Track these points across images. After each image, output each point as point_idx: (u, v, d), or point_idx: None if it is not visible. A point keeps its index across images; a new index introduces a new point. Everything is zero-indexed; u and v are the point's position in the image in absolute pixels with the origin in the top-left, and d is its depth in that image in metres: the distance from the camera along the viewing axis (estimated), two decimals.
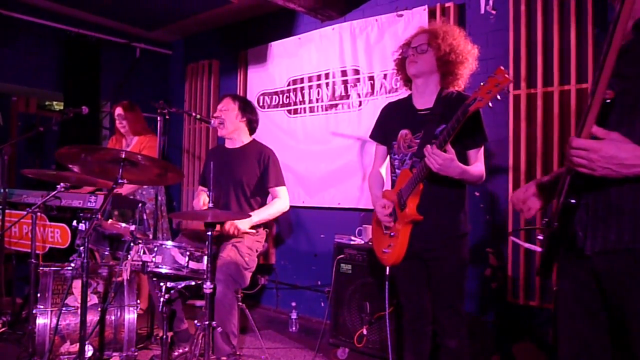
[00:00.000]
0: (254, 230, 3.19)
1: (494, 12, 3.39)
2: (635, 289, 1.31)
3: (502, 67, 1.85)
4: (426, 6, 3.62)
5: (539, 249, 1.63)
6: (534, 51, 3.16)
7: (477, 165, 2.22)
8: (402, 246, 2.20)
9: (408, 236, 2.20)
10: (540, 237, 1.60)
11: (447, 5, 3.55)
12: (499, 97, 1.87)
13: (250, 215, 2.98)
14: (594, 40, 2.94)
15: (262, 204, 3.35)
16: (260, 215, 3.19)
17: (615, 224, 1.33)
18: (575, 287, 1.49)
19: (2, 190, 3.49)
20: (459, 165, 2.03)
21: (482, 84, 1.88)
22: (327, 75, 4.22)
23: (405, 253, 2.21)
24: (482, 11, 3.44)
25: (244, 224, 3.07)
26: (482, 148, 2.27)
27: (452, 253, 2.23)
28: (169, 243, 2.67)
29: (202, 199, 3.20)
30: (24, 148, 5.95)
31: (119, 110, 4.12)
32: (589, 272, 1.43)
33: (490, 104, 1.88)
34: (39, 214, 3.32)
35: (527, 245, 1.72)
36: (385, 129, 2.45)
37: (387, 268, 2.37)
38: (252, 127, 3.42)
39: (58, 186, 3.07)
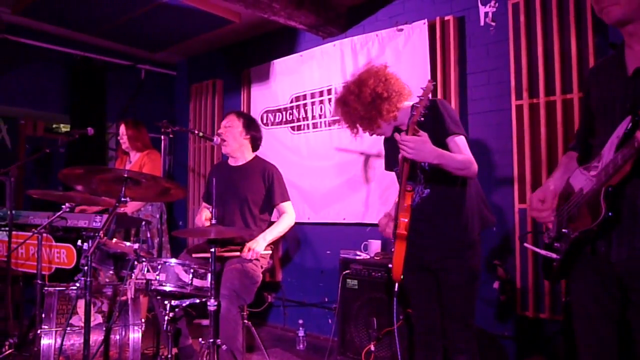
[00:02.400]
0: (269, 251, 3.20)
1: (493, 23, 3.40)
2: None
3: (429, 79, 2.07)
4: (426, 20, 3.64)
5: (554, 255, 1.65)
6: (534, 61, 3.16)
7: (464, 155, 2.15)
8: (398, 263, 2.19)
9: (402, 253, 2.17)
10: (558, 245, 1.64)
11: (446, 18, 3.57)
12: (423, 110, 2.01)
13: (253, 232, 2.97)
14: (595, 48, 2.93)
15: (268, 219, 3.35)
16: (272, 233, 3.20)
17: None
18: (593, 289, 1.58)
19: (9, 212, 3.51)
20: (433, 147, 2.03)
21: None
22: (329, 91, 4.24)
23: (402, 269, 2.19)
24: (482, 23, 3.46)
25: (260, 246, 3.08)
26: (461, 138, 2.18)
27: (460, 263, 2.20)
28: (173, 261, 2.66)
29: (205, 215, 3.20)
30: (31, 171, 6.00)
31: (121, 128, 4.16)
32: (608, 274, 1.51)
33: (422, 117, 2.02)
34: (44, 234, 3.33)
35: (543, 252, 1.70)
36: (389, 158, 2.52)
37: (396, 284, 2.35)
38: (255, 144, 3.44)
39: (63, 206, 3.09)
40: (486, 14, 3.44)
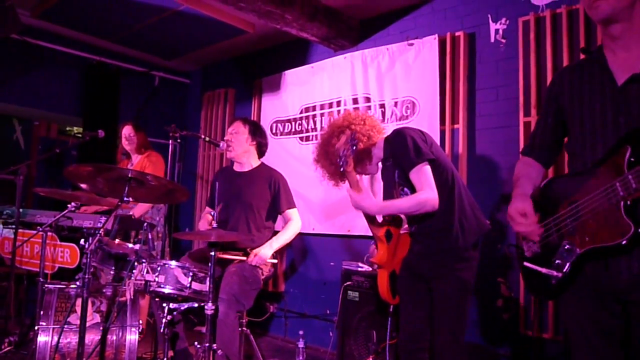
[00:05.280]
0: (275, 260, 3.20)
1: (503, 40, 3.40)
2: None
3: (351, 130, 2.36)
4: (436, 35, 3.65)
5: (556, 273, 1.58)
6: (544, 78, 3.15)
7: (414, 197, 2.20)
8: (381, 289, 2.42)
9: (384, 279, 2.42)
10: (559, 262, 1.58)
11: (457, 34, 3.58)
12: (345, 159, 2.26)
13: (253, 238, 2.97)
14: None
15: (272, 227, 3.34)
16: (279, 241, 3.21)
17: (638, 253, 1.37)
18: (590, 308, 1.53)
19: (16, 210, 3.55)
20: (373, 202, 2.29)
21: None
22: (338, 103, 4.26)
23: (389, 293, 2.44)
24: (492, 40, 3.46)
25: (266, 253, 3.08)
26: (423, 168, 2.20)
27: (451, 273, 2.20)
28: (173, 263, 2.67)
29: (207, 221, 3.21)
30: (44, 171, 6.09)
31: (128, 130, 4.20)
32: (607, 290, 1.47)
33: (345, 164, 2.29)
34: (49, 233, 3.36)
35: (545, 270, 1.64)
36: (384, 189, 2.64)
37: (391, 306, 2.58)
38: (261, 150, 3.45)
39: (69, 205, 3.11)
40: (497, 30, 3.44)
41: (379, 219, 2.51)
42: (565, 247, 1.54)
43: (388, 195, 2.47)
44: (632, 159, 1.36)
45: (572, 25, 3.06)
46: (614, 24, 1.49)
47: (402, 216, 2.56)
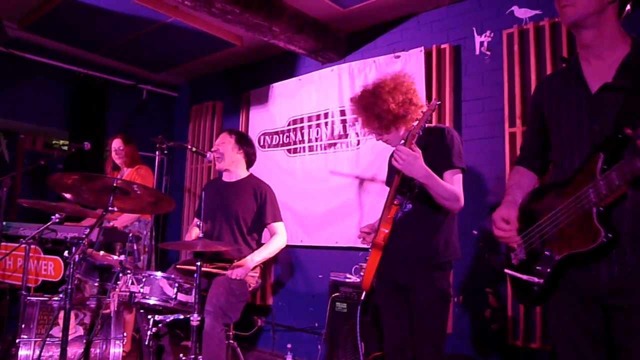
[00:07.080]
0: (256, 273, 3.17)
1: (488, 52, 3.45)
2: None
3: (436, 97, 2.17)
4: (422, 48, 3.70)
5: (536, 279, 1.60)
6: (528, 89, 3.19)
7: (455, 188, 2.16)
8: (369, 271, 2.20)
9: (376, 262, 2.18)
10: (540, 268, 1.60)
11: (443, 46, 3.63)
12: (423, 124, 2.08)
13: (240, 248, 2.94)
14: None
15: (258, 239, 3.32)
16: (261, 255, 3.17)
17: (630, 249, 1.40)
18: (574, 311, 1.54)
19: None
20: (423, 166, 2.04)
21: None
22: (326, 115, 4.28)
23: (372, 278, 2.20)
24: (477, 52, 3.51)
25: (246, 268, 3.03)
26: (459, 175, 2.21)
27: (428, 283, 2.18)
28: (158, 274, 2.63)
29: (194, 233, 3.19)
30: (28, 185, 6.01)
31: (118, 143, 4.18)
32: (589, 294, 1.49)
33: (420, 131, 2.08)
34: (33, 246, 3.31)
35: (525, 277, 1.66)
36: (390, 174, 2.50)
37: (363, 293, 2.48)
38: (249, 160, 3.44)
39: (53, 217, 3.07)
40: (481, 43, 3.49)
41: (396, 200, 2.40)
42: (546, 254, 1.56)
43: (390, 180, 2.41)
44: (605, 166, 1.38)
45: (555, 37, 3.11)
46: (583, 30, 1.52)
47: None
